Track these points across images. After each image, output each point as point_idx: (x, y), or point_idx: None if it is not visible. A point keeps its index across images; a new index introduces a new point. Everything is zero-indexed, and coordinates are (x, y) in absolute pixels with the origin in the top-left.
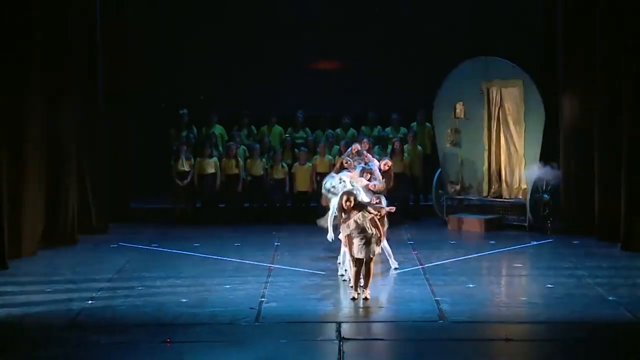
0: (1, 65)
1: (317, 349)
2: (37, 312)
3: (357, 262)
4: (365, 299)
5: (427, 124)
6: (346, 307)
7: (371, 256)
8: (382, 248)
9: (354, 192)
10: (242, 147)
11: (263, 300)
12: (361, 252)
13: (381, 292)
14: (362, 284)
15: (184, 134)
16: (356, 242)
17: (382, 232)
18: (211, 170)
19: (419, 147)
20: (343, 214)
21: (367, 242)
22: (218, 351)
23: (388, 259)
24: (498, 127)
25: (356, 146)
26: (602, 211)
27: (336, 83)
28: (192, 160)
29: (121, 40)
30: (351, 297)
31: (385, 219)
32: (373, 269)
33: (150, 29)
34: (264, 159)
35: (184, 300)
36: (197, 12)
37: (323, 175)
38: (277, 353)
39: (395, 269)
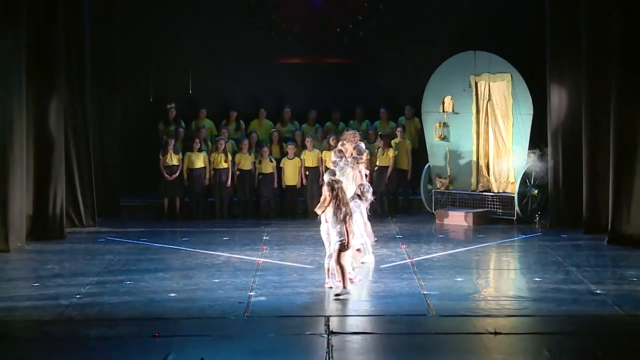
0: None
1: (306, 342)
2: (25, 306)
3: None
4: (336, 293)
5: (415, 118)
6: (335, 301)
7: (336, 249)
8: (362, 244)
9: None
10: (231, 141)
11: (252, 295)
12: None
13: (369, 286)
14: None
15: (172, 128)
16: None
17: (350, 231)
18: (200, 164)
19: (407, 141)
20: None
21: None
22: (207, 345)
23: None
24: (486, 121)
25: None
26: (589, 205)
27: (325, 77)
28: (181, 154)
29: (109, 35)
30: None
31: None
32: (341, 263)
33: (139, 24)
34: (252, 153)
35: (173, 294)
36: (185, 6)
37: (311, 169)
38: (265, 347)
39: (363, 263)
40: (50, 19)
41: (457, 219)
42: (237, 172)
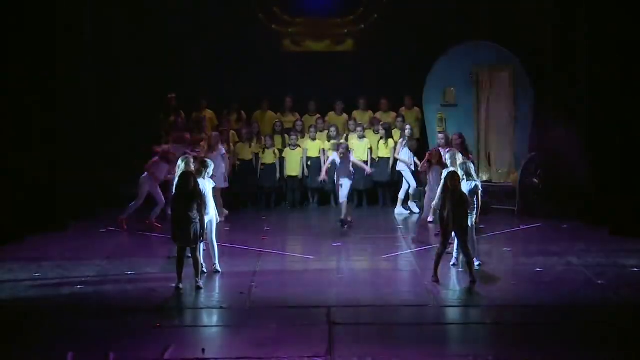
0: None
1: (307, 333)
2: (26, 297)
3: None
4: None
5: (416, 108)
6: (336, 292)
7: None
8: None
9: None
10: (231, 131)
11: (253, 285)
12: None
13: (371, 276)
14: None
15: (173, 118)
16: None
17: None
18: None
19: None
20: None
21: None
22: (208, 336)
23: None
24: (488, 111)
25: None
26: (591, 195)
27: (327, 68)
28: None
29: (109, 26)
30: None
31: None
32: (197, 258)
33: (139, 15)
34: (252, 144)
35: (174, 284)
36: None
37: (313, 159)
38: (267, 338)
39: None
40: (50, 15)
41: None
42: (238, 163)
